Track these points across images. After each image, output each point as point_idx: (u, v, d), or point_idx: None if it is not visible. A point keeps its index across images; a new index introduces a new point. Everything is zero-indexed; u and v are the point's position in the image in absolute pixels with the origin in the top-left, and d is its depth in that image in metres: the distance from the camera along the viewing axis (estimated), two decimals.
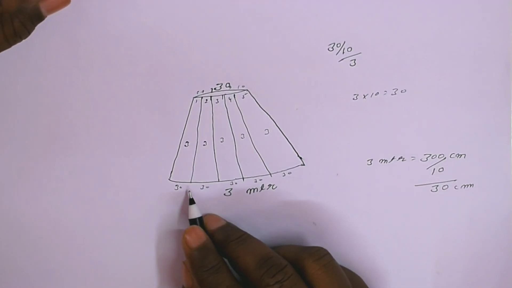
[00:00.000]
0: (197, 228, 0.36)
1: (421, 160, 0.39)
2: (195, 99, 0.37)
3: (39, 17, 0.32)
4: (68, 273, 0.38)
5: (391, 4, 0.36)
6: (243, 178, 0.38)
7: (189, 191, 0.37)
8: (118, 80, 0.36)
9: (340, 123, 0.38)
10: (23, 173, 0.37)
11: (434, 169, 0.39)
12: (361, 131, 0.38)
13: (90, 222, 0.38)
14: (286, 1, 0.35)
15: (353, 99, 0.38)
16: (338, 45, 0.37)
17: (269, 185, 0.38)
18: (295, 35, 0.36)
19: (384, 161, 0.39)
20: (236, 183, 0.38)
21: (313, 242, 0.39)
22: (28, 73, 0.35)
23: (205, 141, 0.37)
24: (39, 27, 0.32)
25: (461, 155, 0.39)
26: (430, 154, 0.39)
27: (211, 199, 0.38)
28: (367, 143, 0.38)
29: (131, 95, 0.36)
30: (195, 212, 0.37)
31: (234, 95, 0.37)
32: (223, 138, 0.37)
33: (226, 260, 0.36)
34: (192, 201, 0.37)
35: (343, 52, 0.37)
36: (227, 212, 0.38)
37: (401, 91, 0.38)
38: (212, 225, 0.37)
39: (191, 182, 0.38)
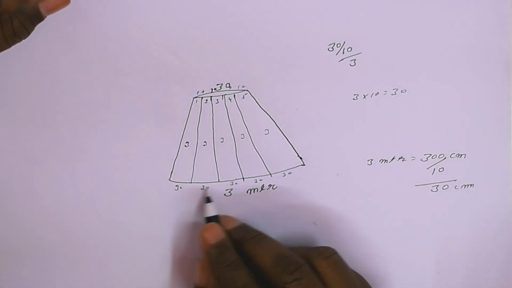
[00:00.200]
0: (215, 226, 0.36)
1: (421, 160, 0.39)
2: (195, 99, 0.37)
3: (39, 18, 0.32)
4: (68, 273, 0.38)
5: (391, 4, 0.36)
6: (243, 178, 0.38)
7: (207, 188, 0.37)
8: (118, 80, 0.36)
9: (340, 123, 0.38)
10: (23, 173, 0.37)
11: (434, 169, 0.39)
12: (361, 131, 0.38)
13: (90, 222, 0.38)
14: (286, 1, 0.35)
15: (353, 99, 0.38)
16: (338, 45, 0.37)
17: (269, 185, 0.38)
18: (295, 35, 0.36)
19: (384, 161, 0.39)
20: (236, 183, 0.38)
21: (313, 242, 0.39)
22: (28, 73, 0.35)
23: (205, 141, 0.37)
24: (39, 27, 0.32)
25: (461, 155, 0.39)
26: (430, 154, 0.39)
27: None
28: (367, 143, 0.38)
29: (131, 95, 0.36)
30: (212, 210, 0.37)
31: (234, 95, 0.37)
32: (223, 138, 0.37)
33: None
34: (208, 200, 0.37)
35: (343, 52, 0.37)
36: (227, 212, 0.38)
37: (401, 91, 0.38)
38: (229, 225, 0.37)
39: (191, 182, 0.38)
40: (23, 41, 0.32)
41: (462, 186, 0.39)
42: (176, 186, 0.38)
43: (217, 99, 0.37)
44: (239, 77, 0.36)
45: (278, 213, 0.39)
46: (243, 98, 0.37)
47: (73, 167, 0.37)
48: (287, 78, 0.37)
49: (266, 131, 0.37)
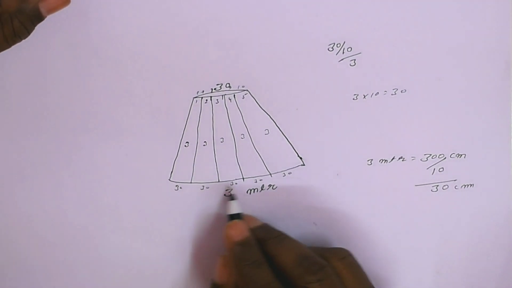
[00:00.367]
0: (240, 223, 0.36)
1: (421, 160, 0.39)
2: (195, 99, 0.37)
3: (39, 18, 0.32)
4: (68, 273, 0.38)
5: (391, 4, 0.36)
6: (243, 178, 0.38)
7: (232, 184, 0.37)
8: (118, 80, 0.36)
9: (340, 123, 0.38)
10: (23, 173, 0.37)
11: (434, 169, 0.39)
12: (361, 131, 0.38)
13: (90, 222, 0.38)
14: (286, 1, 0.35)
15: (353, 99, 0.38)
16: (338, 45, 0.36)
17: (269, 185, 0.38)
18: (295, 35, 0.36)
19: (384, 161, 0.39)
20: (236, 183, 0.38)
21: (314, 242, 0.39)
22: (28, 73, 0.35)
23: (205, 141, 0.37)
24: (39, 27, 0.32)
25: (461, 155, 0.39)
26: (430, 154, 0.39)
27: (211, 200, 0.38)
28: (367, 143, 0.38)
29: (131, 95, 0.36)
30: (236, 207, 0.37)
31: (234, 95, 0.37)
32: (223, 138, 0.37)
33: None
34: (232, 197, 0.37)
35: (343, 52, 0.37)
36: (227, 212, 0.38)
37: (401, 91, 0.38)
38: (251, 224, 0.37)
39: (191, 182, 0.38)
40: (23, 41, 0.32)
41: (462, 186, 0.39)
42: (176, 186, 0.38)
43: (217, 99, 0.37)
44: (239, 77, 0.36)
45: (278, 213, 0.39)
46: (243, 98, 0.37)
47: (73, 167, 0.37)
48: (287, 78, 0.37)
49: (266, 131, 0.37)
